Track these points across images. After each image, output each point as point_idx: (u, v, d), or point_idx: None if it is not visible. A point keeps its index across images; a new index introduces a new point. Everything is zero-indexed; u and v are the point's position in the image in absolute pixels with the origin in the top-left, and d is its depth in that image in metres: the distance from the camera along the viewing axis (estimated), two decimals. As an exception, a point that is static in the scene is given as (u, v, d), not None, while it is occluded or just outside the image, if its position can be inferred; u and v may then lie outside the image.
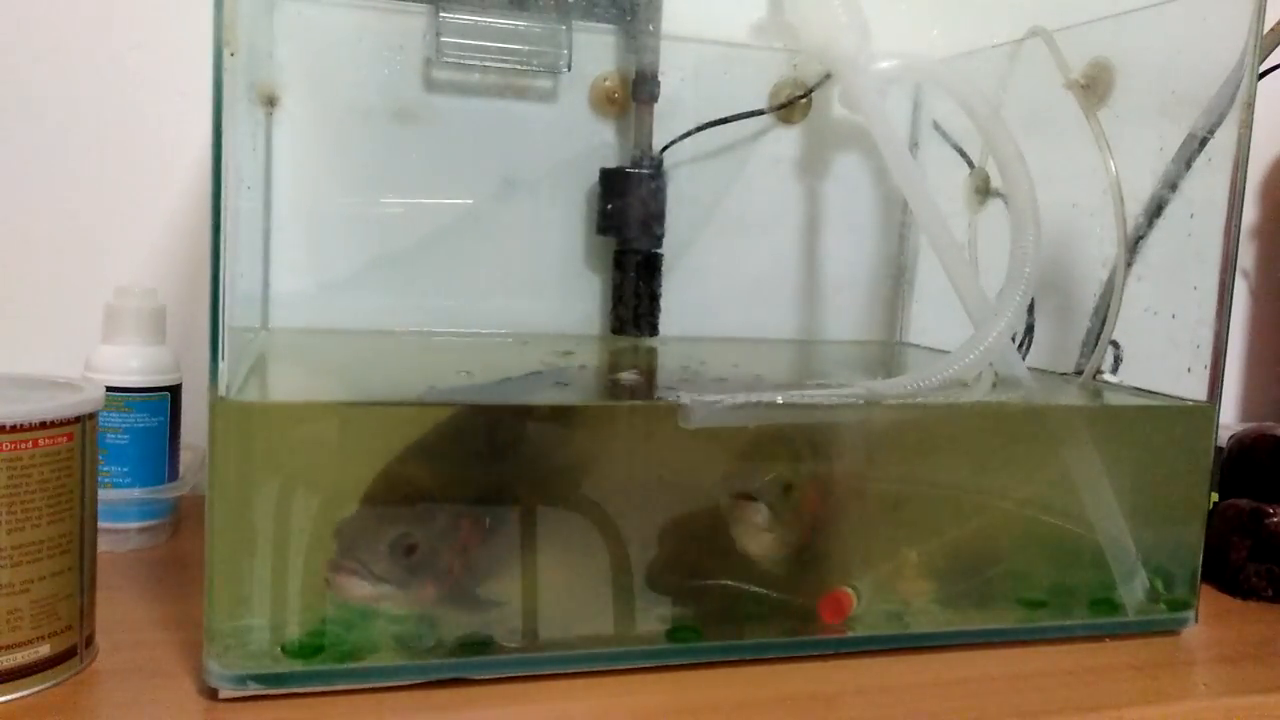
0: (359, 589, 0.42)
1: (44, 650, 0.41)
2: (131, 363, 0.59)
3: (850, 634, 0.50)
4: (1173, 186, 0.57)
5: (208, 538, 0.41)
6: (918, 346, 0.77)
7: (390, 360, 0.61)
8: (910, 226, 0.77)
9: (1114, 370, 0.60)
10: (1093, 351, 0.61)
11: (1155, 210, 0.58)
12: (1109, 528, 0.54)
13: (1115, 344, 0.60)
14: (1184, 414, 0.56)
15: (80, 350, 0.60)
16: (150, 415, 0.59)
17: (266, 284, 0.64)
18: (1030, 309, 0.66)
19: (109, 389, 0.51)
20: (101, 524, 0.46)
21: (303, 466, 0.43)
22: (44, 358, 0.67)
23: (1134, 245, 0.59)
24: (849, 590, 0.49)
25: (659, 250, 0.68)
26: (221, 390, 0.41)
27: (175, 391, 0.60)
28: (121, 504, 0.58)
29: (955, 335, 0.55)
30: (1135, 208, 0.59)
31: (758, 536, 0.47)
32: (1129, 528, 0.54)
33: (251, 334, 0.59)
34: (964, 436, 0.52)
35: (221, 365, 0.41)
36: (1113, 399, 0.59)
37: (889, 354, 0.76)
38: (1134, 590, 0.54)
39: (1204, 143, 0.55)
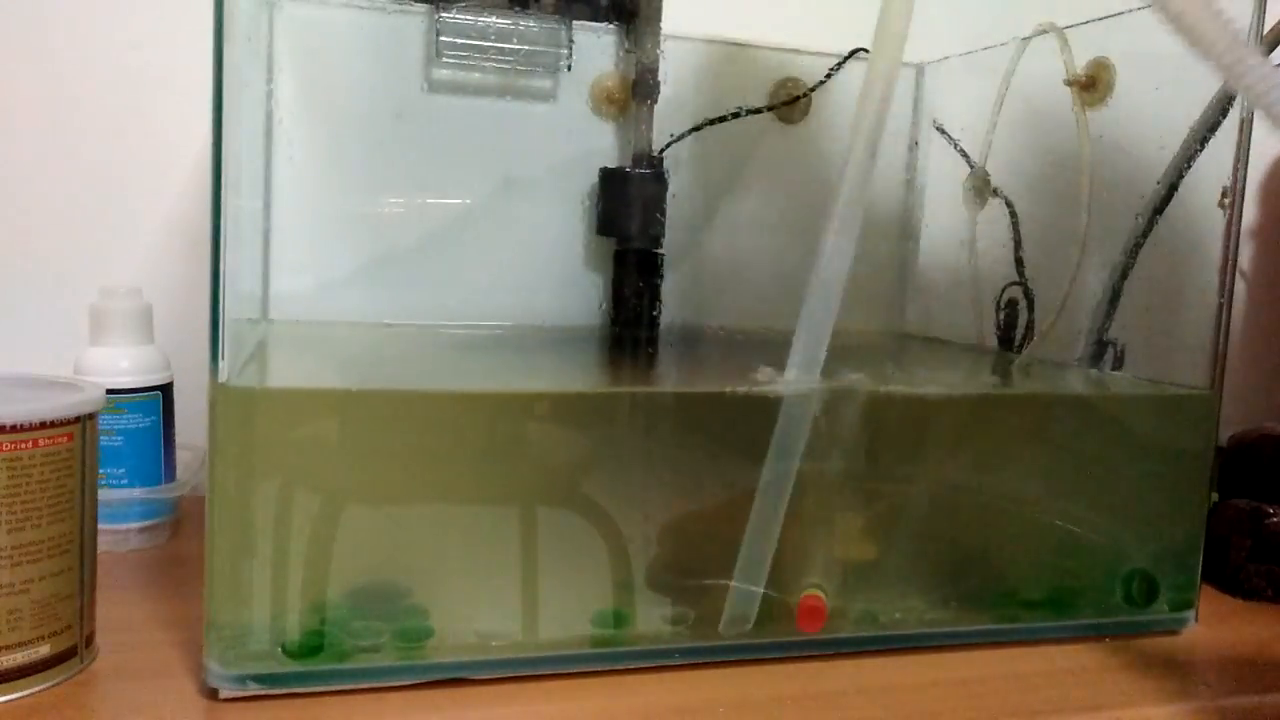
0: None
1: (44, 650, 0.41)
2: (121, 363, 0.59)
3: (850, 634, 0.49)
4: (1173, 187, 0.57)
5: (208, 536, 0.41)
6: (923, 339, 0.77)
7: (395, 350, 0.61)
8: (911, 228, 0.77)
9: (1117, 369, 0.60)
10: (1094, 349, 0.60)
11: (1156, 210, 0.58)
12: (1108, 526, 0.54)
13: (1114, 343, 0.60)
14: (1184, 403, 0.56)
15: (75, 352, 0.60)
16: (143, 415, 0.59)
17: (266, 283, 0.64)
18: (1030, 305, 0.66)
19: (99, 391, 0.51)
20: (101, 524, 0.46)
21: (306, 454, 0.43)
22: (38, 359, 0.67)
23: (1135, 246, 0.59)
24: (816, 592, 0.49)
25: (659, 250, 0.68)
26: (222, 377, 0.41)
27: (166, 390, 0.60)
28: (121, 504, 0.58)
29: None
30: (1136, 207, 0.59)
31: None
32: (1128, 525, 0.54)
33: (250, 324, 0.59)
34: (968, 427, 0.52)
35: (221, 351, 0.41)
36: (1114, 387, 0.59)
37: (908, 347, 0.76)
38: (1131, 591, 0.54)
39: (1205, 142, 0.55)
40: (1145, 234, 0.58)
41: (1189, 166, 0.56)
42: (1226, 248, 0.54)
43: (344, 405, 0.44)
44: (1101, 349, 0.60)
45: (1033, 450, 0.53)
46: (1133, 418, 0.56)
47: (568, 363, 0.63)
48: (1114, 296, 0.59)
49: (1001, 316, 0.68)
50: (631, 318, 0.68)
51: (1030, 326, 0.66)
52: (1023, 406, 0.54)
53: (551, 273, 0.69)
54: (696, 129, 0.69)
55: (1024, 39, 0.66)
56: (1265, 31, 0.53)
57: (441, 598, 0.45)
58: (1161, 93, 0.58)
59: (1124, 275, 0.59)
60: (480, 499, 0.45)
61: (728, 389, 0.47)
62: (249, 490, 0.42)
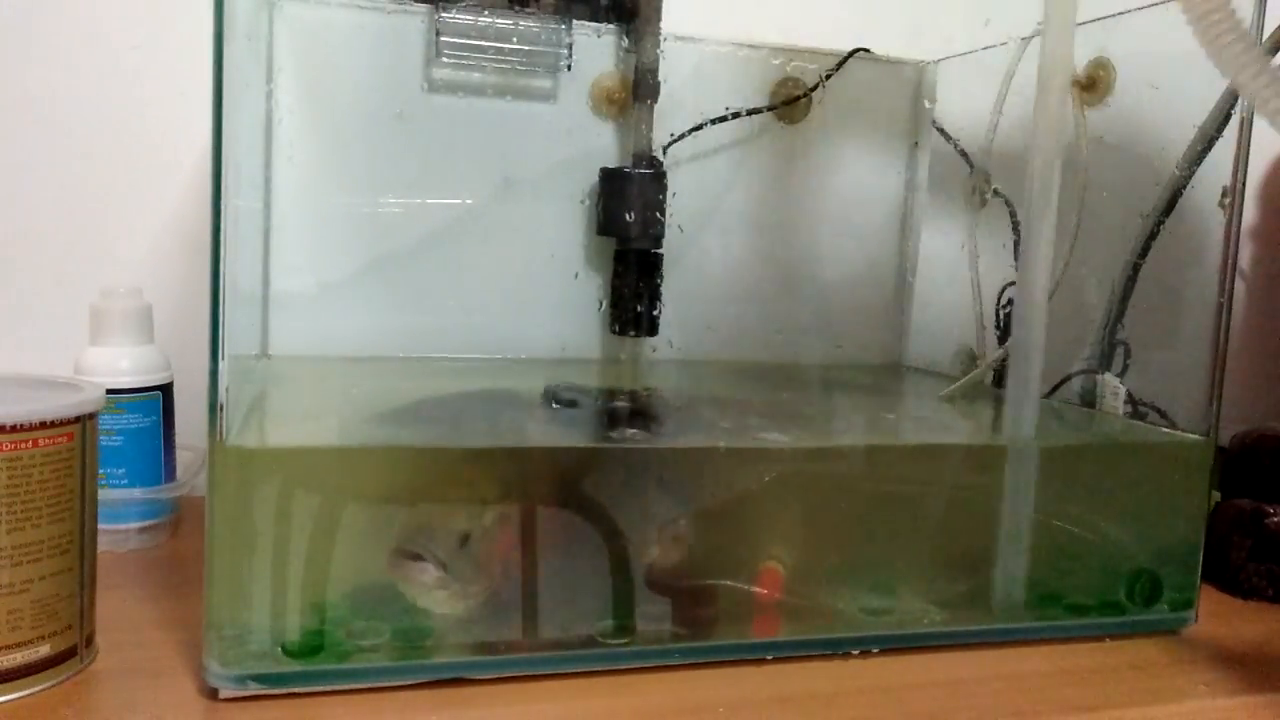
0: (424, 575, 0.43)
1: (44, 650, 0.41)
2: (121, 363, 0.59)
3: (850, 634, 0.49)
4: (1175, 188, 0.57)
5: (208, 536, 0.41)
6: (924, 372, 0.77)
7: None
8: (911, 228, 0.77)
9: (1122, 373, 0.60)
10: (1101, 356, 0.60)
11: (1159, 212, 0.58)
12: (1109, 532, 0.54)
13: (1125, 343, 0.60)
14: (1179, 449, 0.56)
15: (75, 352, 0.60)
16: (143, 415, 0.59)
17: (266, 288, 0.64)
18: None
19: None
20: (101, 524, 0.46)
21: (304, 508, 0.43)
22: (38, 359, 0.67)
23: (1145, 247, 0.58)
24: (774, 565, 0.49)
25: (659, 250, 0.68)
26: (221, 433, 0.41)
27: (166, 390, 0.60)
28: (121, 504, 0.58)
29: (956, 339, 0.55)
30: (1137, 208, 0.59)
31: (430, 594, 0.44)
32: (1129, 533, 0.54)
33: (252, 362, 0.59)
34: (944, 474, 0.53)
35: (221, 390, 0.41)
36: (1110, 433, 0.59)
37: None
38: (1134, 591, 0.54)
39: (1212, 142, 0.54)
40: (1153, 235, 0.58)
41: (1197, 166, 0.55)
42: (1226, 248, 0.54)
43: (342, 463, 0.44)
44: (1110, 352, 0.60)
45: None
46: (1131, 459, 0.56)
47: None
48: (1123, 297, 0.59)
49: (1002, 316, 0.68)
50: (631, 318, 0.68)
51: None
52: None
53: (551, 272, 0.69)
54: (697, 129, 0.69)
55: (1024, 39, 0.66)
56: (1265, 37, 0.53)
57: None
58: (1161, 92, 0.58)
59: (1133, 276, 0.59)
60: (479, 505, 0.45)
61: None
62: (250, 534, 0.42)
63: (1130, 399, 0.59)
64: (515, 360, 0.68)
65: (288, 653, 0.42)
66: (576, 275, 0.69)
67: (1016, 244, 0.67)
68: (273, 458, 0.43)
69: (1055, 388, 0.64)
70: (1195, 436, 0.55)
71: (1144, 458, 0.56)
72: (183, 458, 0.63)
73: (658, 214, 0.67)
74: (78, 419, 0.42)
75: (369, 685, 0.43)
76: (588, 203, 0.68)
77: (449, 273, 0.67)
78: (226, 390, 0.42)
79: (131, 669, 0.44)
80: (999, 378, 0.67)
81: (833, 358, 0.76)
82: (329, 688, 0.42)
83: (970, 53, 0.72)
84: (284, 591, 0.42)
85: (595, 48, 0.67)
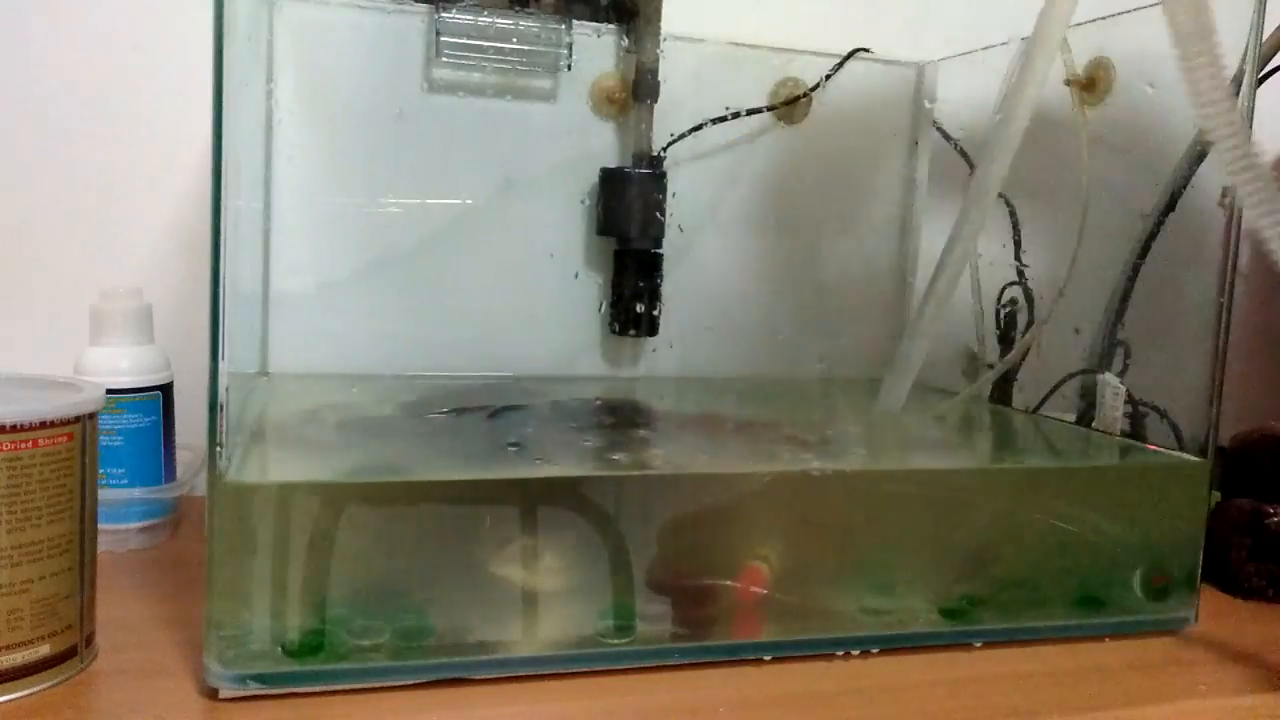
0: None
1: (44, 650, 0.41)
2: (121, 363, 0.59)
3: (850, 634, 0.49)
4: (1174, 189, 0.57)
5: (208, 536, 0.41)
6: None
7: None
8: (911, 228, 0.77)
9: (1122, 373, 0.60)
10: (1102, 357, 0.60)
11: (1158, 214, 0.58)
12: (1111, 533, 0.54)
13: (1125, 343, 0.60)
14: (1179, 469, 0.56)
15: (75, 352, 0.60)
16: (143, 415, 0.59)
17: (266, 291, 0.64)
18: (1030, 306, 0.66)
19: (98, 391, 0.51)
20: (101, 524, 0.46)
21: (305, 542, 0.43)
22: (38, 359, 0.67)
23: (1143, 249, 0.58)
24: (758, 564, 0.49)
25: (659, 250, 0.68)
26: (221, 467, 0.41)
27: (166, 390, 0.60)
28: (121, 504, 0.58)
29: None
30: (1137, 208, 0.59)
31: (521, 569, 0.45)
32: (1130, 534, 0.54)
33: (251, 380, 0.58)
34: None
35: (221, 389, 0.41)
36: (1100, 456, 0.59)
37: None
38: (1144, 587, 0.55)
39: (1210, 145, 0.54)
40: (1153, 235, 0.58)
41: (1197, 166, 0.55)
42: (1227, 248, 0.54)
43: (344, 498, 0.44)
44: (1110, 352, 0.60)
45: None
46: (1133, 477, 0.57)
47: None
48: (1123, 297, 0.59)
49: (1002, 316, 0.68)
50: (631, 318, 0.68)
51: (1028, 328, 0.66)
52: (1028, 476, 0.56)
53: (551, 273, 0.69)
54: (697, 129, 0.69)
55: (1024, 39, 0.65)
56: (1265, 37, 0.53)
57: (441, 597, 0.45)
58: (1161, 92, 0.58)
59: (1133, 276, 0.59)
60: (479, 506, 0.45)
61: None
62: (249, 559, 0.42)
63: (1130, 399, 0.59)
64: (507, 377, 0.68)
65: (288, 652, 0.42)
66: (576, 275, 0.69)
67: (1017, 244, 0.67)
68: (270, 493, 0.43)
69: (1055, 387, 0.64)
70: (1194, 458, 0.55)
71: (1146, 477, 0.57)
72: (183, 458, 0.63)
73: (658, 214, 0.67)
74: (78, 419, 0.42)
75: (369, 685, 0.43)
76: (588, 203, 0.68)
77: (449, 273, 0.67)
78: (227, 390, 0.42)
79: (131, 669, 0.44)
80: (1003, 392, 0.68)
81: (830, 355, 0.75)
82: (329, 688, 0.42)
83: (970, 53, 0.72)
84: (284, 592, 0.42)
85: (595, 48, 0.67)
